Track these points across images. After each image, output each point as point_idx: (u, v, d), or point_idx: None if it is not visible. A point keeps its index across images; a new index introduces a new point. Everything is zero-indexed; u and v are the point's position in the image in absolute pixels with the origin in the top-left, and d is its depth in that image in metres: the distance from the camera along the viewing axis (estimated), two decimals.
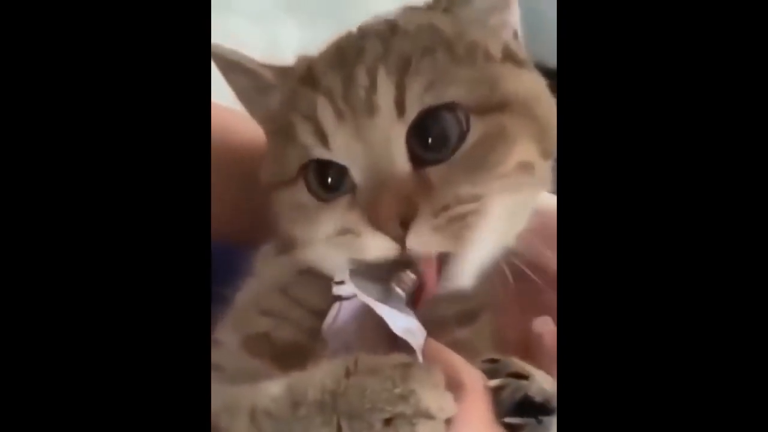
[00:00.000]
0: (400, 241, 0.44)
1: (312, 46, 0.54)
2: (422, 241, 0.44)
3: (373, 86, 0.46)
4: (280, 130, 0.51)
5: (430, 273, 0.45)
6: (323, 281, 0.48)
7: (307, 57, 0.53)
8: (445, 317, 0.46)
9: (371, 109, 0.45)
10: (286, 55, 0.55)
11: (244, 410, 0.38)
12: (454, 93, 0.46)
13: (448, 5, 0.51)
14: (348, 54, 0.48)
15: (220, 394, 0.40)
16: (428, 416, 0.36)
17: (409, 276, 0.44)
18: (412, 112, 0.45)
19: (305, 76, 0.50)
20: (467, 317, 0.48)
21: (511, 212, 0.47)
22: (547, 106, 0.49)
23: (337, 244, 0.47)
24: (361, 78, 0.46)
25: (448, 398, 0.37)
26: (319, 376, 0.38)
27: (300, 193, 0.49)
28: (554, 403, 0.40)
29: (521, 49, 0.52)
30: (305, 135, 0.48)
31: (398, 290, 0.44)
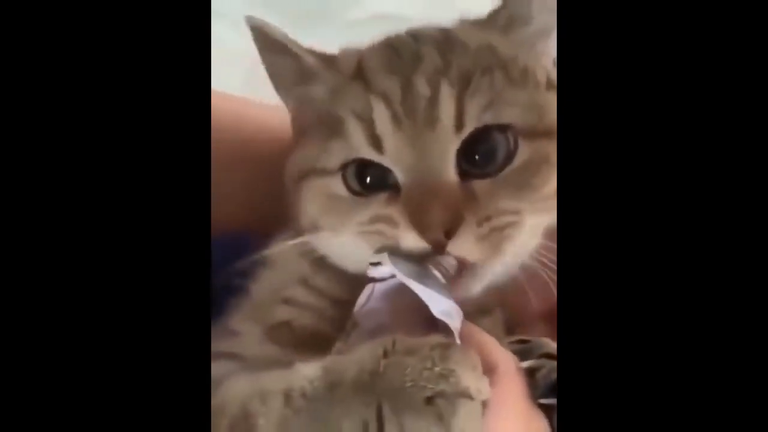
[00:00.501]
0: (439, 246, 0.45)
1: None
2: (464, 249, 0.45)
3: (435, 98, 0.46)
4: (322, 121, 0.51)
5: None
6: (344, 271, 0.49)
7: (354, 50, 0.53)
8: (464, 306, 0.46)
9: (431, 120, 0.46)
10: None
11: (277, 394, 0.38)
12: (509, 115, 0.47)
13: (507, 23, 0.51)
14: (404, 57, 0.49)
15: (245, 381, 0.40)
16: (467, 396, 0.36)
17: (449, 261, 0.45)
18: (469, 128, 0.46)
19: (355, 72, 0.50)
20: (481, 311, 0.49)
21: (535, 231, 0.48)
22: None
23: (369, 233, 0.47)
24: (422, 87, 0.47)
25: (485, 380, 0.38)
26: (357, 357, 0.38)
27: (335, 185, 0.50)
28: None
29: None
30: (357, 135, 0.48)
31: (435, 272, 0.44)
